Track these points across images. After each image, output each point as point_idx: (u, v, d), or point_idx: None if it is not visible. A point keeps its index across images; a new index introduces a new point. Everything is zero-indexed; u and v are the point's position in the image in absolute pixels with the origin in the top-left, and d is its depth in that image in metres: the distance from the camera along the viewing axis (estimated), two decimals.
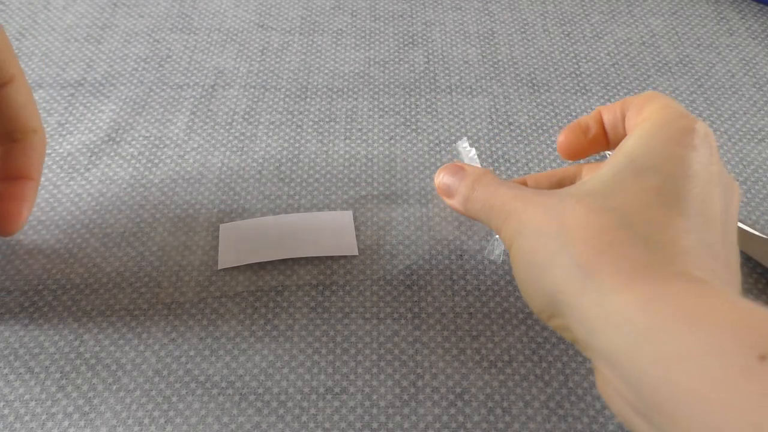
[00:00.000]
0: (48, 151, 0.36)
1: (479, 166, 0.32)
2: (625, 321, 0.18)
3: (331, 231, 0.33)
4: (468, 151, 0.33)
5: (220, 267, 0.31)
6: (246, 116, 0.39)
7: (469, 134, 0.38)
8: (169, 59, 0.42)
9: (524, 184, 0.30)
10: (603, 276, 0.20)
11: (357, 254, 0.32)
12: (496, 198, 0.26)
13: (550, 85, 0.41)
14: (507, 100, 0.40)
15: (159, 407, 0.27)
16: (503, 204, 0.25)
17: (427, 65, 0.43)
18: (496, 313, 0.30)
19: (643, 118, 0.25)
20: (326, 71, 0.42)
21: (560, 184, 0.29)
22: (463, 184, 0.28)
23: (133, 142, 0.37)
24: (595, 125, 0.28)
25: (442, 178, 0.29)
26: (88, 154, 0.36)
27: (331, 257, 0.32)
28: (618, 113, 0.27)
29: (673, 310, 0.18)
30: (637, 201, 0.21)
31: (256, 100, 0.40)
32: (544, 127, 0.39)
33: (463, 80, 0.42)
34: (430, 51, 0.44)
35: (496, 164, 0.36)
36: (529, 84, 0.41)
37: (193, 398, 0.27)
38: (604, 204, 0.22)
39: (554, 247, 0.22)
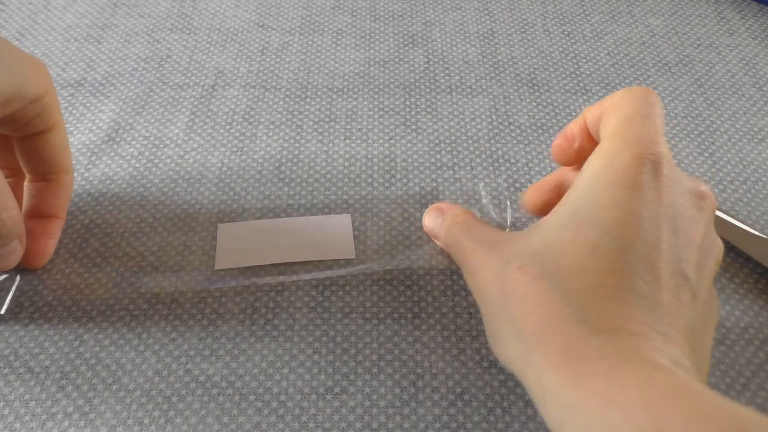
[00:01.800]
0: None
1: (492, 214, 0.33)
2: (555, 398, 0.20)
3: (328, 235, 0.33)
4: (482, 198, 0.34)
5: (217, 267, 0.31)
6: (246, 116, 0.39)
7: (468, 134, 0.38)
8: (169, 59, 0.42)
9: (528, 200, 0.30)
10: (539, 353, 0.21)
11: (354, 257, 0.32)
12: (460, 251, 0.27)
13: (550, 85, 0.41)
14: (507, 100, 0.40)
15: (159, 407, 0.27)
16: (465, 259, 0.26)
17: (427, 65, 0.43)
18: None
19: (595, 152, 0.24)
20: (326, 71, 0.42)
21: (558, 188, 0.29)
22: (441, 230, 0.29)
23: (133, 142, 0.37)
24: (579, 135, 0.27)
25: (426, 221, 0.31)
26: (88, 154, 0.36)
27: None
28: (599, 114, 0.26)
29: (590, 392, 0.19)
30: (572, 264, 0.22)
31: (256, 100, 0.40)
32: (544, 127, 0.39)
33: (463, 80, 0.42)
34: (430, 51, 0.44)
35: (496, 164, 0.36)
36: (529, 84, 0.41)
37: (193, 398, 0.27)
38: (543, 270, 0.22)
39: (502, 318, 0.23)
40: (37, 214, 0.31)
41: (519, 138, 0.38)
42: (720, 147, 0.38)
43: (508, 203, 0.34)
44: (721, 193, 0.36)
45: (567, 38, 0.45)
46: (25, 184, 0.31)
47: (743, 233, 0.33)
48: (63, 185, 0.31)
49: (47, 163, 0.30)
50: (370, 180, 0.35)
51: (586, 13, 0.47)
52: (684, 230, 0.23)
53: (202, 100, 0.40)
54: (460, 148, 0.37)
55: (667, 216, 0.22)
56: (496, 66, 0.43)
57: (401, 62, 0.43)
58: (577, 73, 0.42)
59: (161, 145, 0.37)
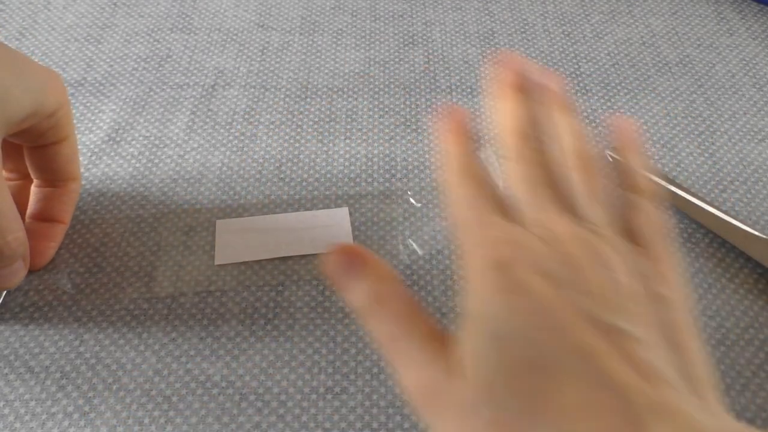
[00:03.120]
0: None
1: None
2: None
3: (326, 228, 0.33)
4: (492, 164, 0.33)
5: (217, 263, 0.31)
6: (246, 116, 0.39)
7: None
8: (169, 59, 0.42)
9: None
10: None
11: None
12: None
13: None
14: None
15: (159, 407, 0.27)
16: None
17: (427, 65, 0.43)
18: None
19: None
20: (326, 71, 0.42)
21: None
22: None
23: (133, 142, 0.37)
24: None
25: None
26: (89, 154, 0.36)
27: None
28: None
29: None
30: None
31: (256, 100, 0.40)
32: None
33: (463, 80, 0.42)
34: (430, 51, 0.44)
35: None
36: None
37: (193, 398, 0.27)
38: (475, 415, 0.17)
39: None
40: (42, 218, 0.31)
41: None
42: (720, 147, 0.38)
43: None
44: (721, 193, 0.36)
45: (567, 38, 0.45)
46: (32, 188, 0.31)
47: (743, 233, 0.33)
48: (69, 192, 0.32)
49: (56, 172, 0.31)
50: (370, 180, 0.35)
51: (586, 13, 0.47)
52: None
53: (202, 100, 0.40)
54: None
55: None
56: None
57: (401, 62, 0.43)
58: (577, 73, 0.42)
59: (161, 145, 0.37)
